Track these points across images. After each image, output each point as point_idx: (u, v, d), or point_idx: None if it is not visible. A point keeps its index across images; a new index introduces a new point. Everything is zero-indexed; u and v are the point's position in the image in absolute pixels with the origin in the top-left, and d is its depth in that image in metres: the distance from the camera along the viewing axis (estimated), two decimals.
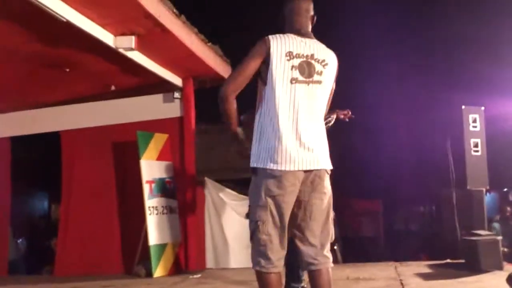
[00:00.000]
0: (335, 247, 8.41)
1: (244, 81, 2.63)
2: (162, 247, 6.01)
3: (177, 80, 6.60)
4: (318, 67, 2.64)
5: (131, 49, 5.20)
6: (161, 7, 4.88)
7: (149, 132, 6.30)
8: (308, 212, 2.64)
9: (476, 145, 5.55)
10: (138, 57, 5.60)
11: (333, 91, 2.79)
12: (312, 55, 2.64)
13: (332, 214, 2.75)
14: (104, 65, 5.89)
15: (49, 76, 6.16)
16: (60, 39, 5.18)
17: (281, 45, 2.60)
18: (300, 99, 2.58)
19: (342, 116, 4.53)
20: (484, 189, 5.69)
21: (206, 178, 6.86)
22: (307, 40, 2.68)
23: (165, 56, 5.91)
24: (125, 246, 6.59)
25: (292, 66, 2.59)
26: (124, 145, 6.62)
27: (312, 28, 2.78)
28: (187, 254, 6.39)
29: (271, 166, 2.55)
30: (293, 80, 2.59)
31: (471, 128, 5.58)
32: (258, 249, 2.60)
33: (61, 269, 6.72)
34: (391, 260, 6.30)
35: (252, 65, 2.61)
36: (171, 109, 6.76)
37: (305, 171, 2.58)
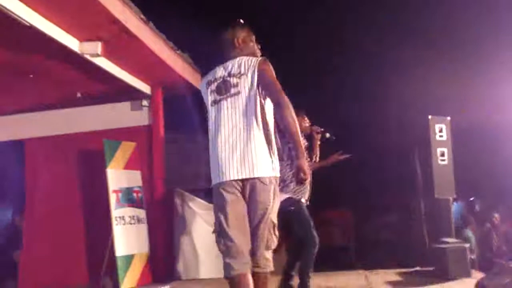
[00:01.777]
0: None
1: None
2: (129, 258, 5.87)
3: (145, 88, 6.51)
4: (233, 80, 2.92)
5: (97, 55, 5.10)
6: (128, 12, 4.80)
7: (116, 140, 6.17)
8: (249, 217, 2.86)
9: (442, 154, 5.61)
10: (104, 63, 5.50)
11: (267, 83, 2.88)
12: (228, 73, 2.96)
13: (270, 222, 2.82)
14: (70, 72, 5.76)
15: (13, 82, 5.99)
16: (23, 45, 5.04)
17: (205, 80, 3.07)
18: (222, 116, 2.89)
19: (316, 135, 4.64)
20: (451, 198, 5.76)
21: (176, 188, 6.75)
22: (228, 62, 3.01)
23: (132, 63, 5.82)
24: (91, 258, 6.41)
25: (211, 91, 2.99)
26: (90, 154, 6.48)
27: (236, 47, 3.08)
28: (155, 265, 6.25)
29: (213, 181, 2.89)
30: (213, 103, 2.96)
31: (437, 138, 5.64)
32: None
33: (25, 282, 6.50)
34: (362, 269, 6.32)
35: None
36: (139, 117, 6.66)
37: (239, 180, 2.80)
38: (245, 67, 2.92)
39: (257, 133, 2.82)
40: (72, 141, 6.63)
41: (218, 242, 2.83)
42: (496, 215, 8.55)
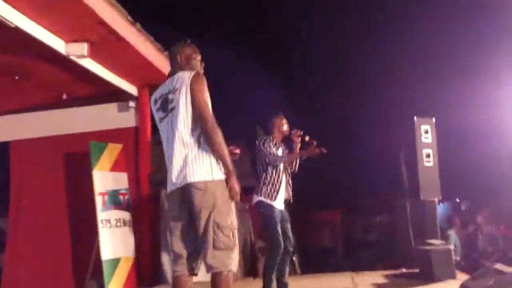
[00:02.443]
0: (294, 258, 8.42)
1: None
2: (115, 261, 5.82)
3: (132, 89, 6.47)
4: (170, 96, 3.04)
5: (84, 57, 5.06)
6: (115, 14, 4.78)
7: (102, 142, 6.13)
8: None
9: (428, 156, 5.65)
10: (91, 65, 5.46)
11: (195, 97, 2.97)
12: (169, 90, 3.07)
13: (212, 223, 2.90)
14: (56, 73, 5.71)
15: None
16: (8, 46, 4.98)
17: (152, 98, 3.21)
18: (166, 132, 3.05)
19: (295, 139, 4.69)
20: (436, 199, 5.80)
21: (162, 190, 6.71)
22: (169, 78, 3.13)
23: (119, 65, 5.79)
24: (77, 261, 6.34)
25: (157, 109, 3.14)
26: (76, 156, 6.42)
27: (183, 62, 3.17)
28: (142, 268, 6.21)
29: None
30: (160, 120, 3.12)
31: (423, 139, 5.68)
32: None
33: (9, 286, 6.41)
34: (349, 270, 6.36)
35: None
36: (125, 119, 6.62)
37: (178, 189, 2.97)
38: (178, 81, 3.02)
39: (191, 142, 2.95)
40: (58, 143, 6.55)
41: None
42: (480, 217, 8.63)
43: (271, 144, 4.65)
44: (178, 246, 2.98)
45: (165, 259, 6.38)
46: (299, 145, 4.80)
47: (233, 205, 3.01)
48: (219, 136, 2.92)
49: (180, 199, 3.00)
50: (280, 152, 4.70)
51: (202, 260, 2.96)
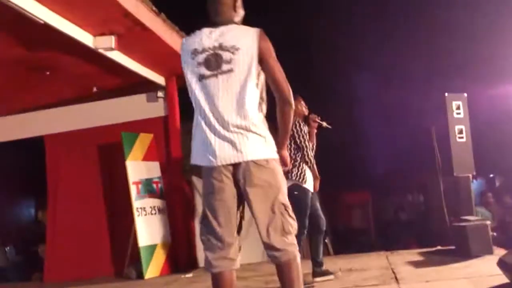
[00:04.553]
0: (326, 240, 8.44)
1: None
2: (152, 248, 5.97)
3: (160, 79, 6.55)
4: (226, 55, 2.53)
5: (111, 49, 5.14)
6: (140, 5, 4.82)
7: (134, 132, 6.24)
8: (248, 205, 2.59)
9: (460, 132, 5.57)
10: (118, 57, 5.54)
11: (271, 66, 2.58)
12: (220, 45, 2.55)
13: (279, 205, 2.56)
14: (85, 67, 5.82)
15: (30, 80, 6.08)
16: (39, 42, 5.10)
17: (187, 46, 2.63)
18: (209, 95, 2.54)
19: (312, 123, 4.69)
20: (470, 175, 5.72)
21: (193, 177, 6.81)
22: (218, 29, 2.59)
23: (146, 55, 5.85)
24: (114, 249, 6.53)
25: (198, 63, 2.57)
26: (109, 147, 6.55)
27: (235, 13, 2.67)
28: (178, 253, 6.34)
29: (197, 162, 2.62)
30: (201, 77, 2.56)
31: (455, 115, 5.60)
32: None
33: (51, 275, 6.65)
34: (382, 250, 6.34)
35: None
36: (155, 108, 6.71)
37: (230, 164, 2.53)
38: (240, 41, 2.54)
39: (253, 115, 2.53)
40: (91, 135, 6.70)
41: (200, 233, 2.63)
42: (509, 199, 8.44)
43: (302, 126, 4.63)
44: (226, 232, 2.55)
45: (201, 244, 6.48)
46: (315, 131, 4.82)
47: None
48: (293, 112, 2.65)
49: (229, 177, 2.54)
50: None
51: (269, 248, 2.54)
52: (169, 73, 6.54)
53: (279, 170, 2.62)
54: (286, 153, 2.75)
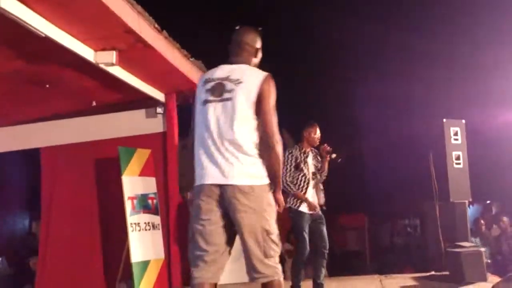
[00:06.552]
0: None
1: None
2: (144, 264, 5.91)
3: (159, 96, 6.56)
4: (229, 86, 2.82)
5: (112, 65, 5.14)
6: (142, 22, 4.85)
7: (131, 147, 6.23)
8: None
9: (458, 158, 5.60)
10: (119, 72, 5.55)
11: (264, 108, 2.78)
12: (227, 77, 2.85)
13: (261, 231, 2.74)
14: (85, 81, 5.82)
15: (29, 93, 6.06)
16: (39, 55, 5.10)
17: (204, 76, 3.01)
18: (207, 118, 2.81)
19: (325, 154, 4.86)
20: (466, 202, 5.72)
21: (189, 193, 6.77)
22: (231, 66, 2.92)
23: (147, 72, 5.87)
24: (107, 264, 6.47)
25: (206, 90, 2.88)
26: (106, 161, 6.54)
27: (255, 58, 3.02)
28: (171, 271, 6.28)
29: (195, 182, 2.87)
30: (204, 102, 2.86)
31: (452, 141, 5.64)
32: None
33: None
34: (376, 274, 6.30)
35: None
36: (153, 124, 6.71)
37: (217, 185, 2.75)
38: (245, 77, 2.82)
39: (242, 142, 2.74)
40: (88, 149, 6.69)
41: (189, 251, 2.91)
42: (505, 219, 8.41)
43: (293, 159, 4.83)
44: (212, 250, 2.79)
45: None
46: (327, 161, 4.95)
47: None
48: (280, 149, 2.80)
49: (216, 197, 2.76)
50: (309, 160, 4.82)
51: (250, 269, 2.77)
52: (169, 89, 6.56)
53: (264, 196, 2.76)
54: (279, 195, 2.88)
